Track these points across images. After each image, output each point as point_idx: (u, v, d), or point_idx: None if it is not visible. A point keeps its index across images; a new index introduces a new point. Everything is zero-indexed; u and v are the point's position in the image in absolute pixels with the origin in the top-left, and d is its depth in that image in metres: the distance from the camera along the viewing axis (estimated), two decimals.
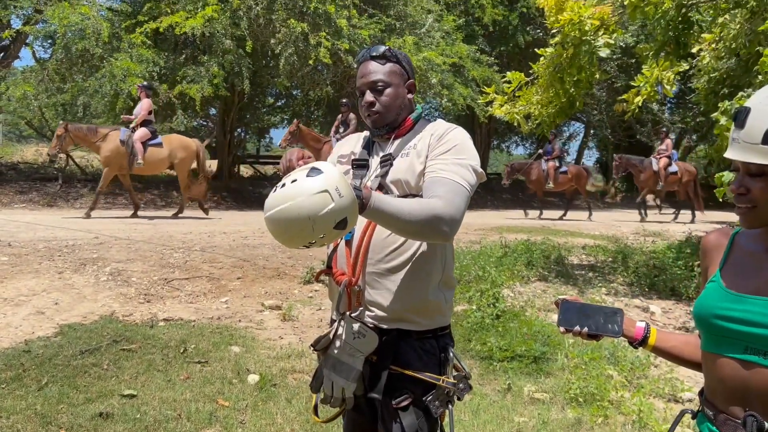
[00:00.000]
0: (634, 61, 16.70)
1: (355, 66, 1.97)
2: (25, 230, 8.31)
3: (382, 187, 1.85)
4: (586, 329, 1.58)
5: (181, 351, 4.37)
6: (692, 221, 15.68)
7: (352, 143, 2.08)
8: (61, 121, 11.10)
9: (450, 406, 1.83)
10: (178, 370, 4.07)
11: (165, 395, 3.64)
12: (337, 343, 1.80)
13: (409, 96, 1.98)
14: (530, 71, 7.00)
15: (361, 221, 1.75)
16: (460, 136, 1.88)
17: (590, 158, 34.62)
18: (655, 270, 7.52)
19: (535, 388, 4.18)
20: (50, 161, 11.47)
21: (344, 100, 13.15)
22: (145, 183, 15.10)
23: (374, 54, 1.94)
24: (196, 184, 12.21)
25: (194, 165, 12.03)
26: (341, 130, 12.82)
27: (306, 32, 12.72)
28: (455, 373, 1.87)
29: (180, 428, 3.26)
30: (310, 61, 12.97)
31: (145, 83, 11.33)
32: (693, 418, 1.50)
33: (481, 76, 15.76)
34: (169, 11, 12.65)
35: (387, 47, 1.96)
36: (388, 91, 1.91)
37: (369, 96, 1.91)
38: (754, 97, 1.28)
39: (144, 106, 10.93)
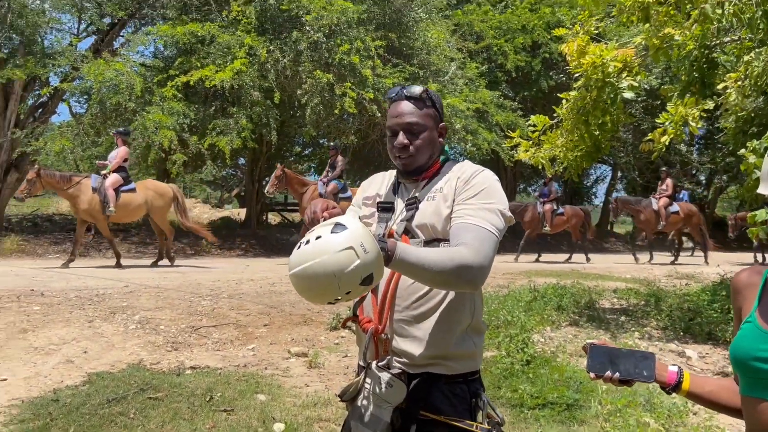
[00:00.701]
0: (659, 102, 16.66)
1: (388, 102, 1.98)
2: (58, 280, 8.46)
3: (407, 231, 1.82)
4: (617, 375, 1.52)
5: (207, 399, 4.34)
6: (705, 260, 15.40)
7: (377, 184, 2.04)
8: (35, 165, 10.98)
9: None
10: (204, 418, 4.03)
11: None
12: (364, 394, 1.75)
13: (440, 140, 1.94)
14: (554, 115, 7.03)
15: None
16: (487, 179, 1.83)
17: None
18: (690, 313, 7.32)
19: None
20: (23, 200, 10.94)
21: (332, 144, 13.48)
22: (174, 232, 15.34)
23: (409, 94, 1.88)
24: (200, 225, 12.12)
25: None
26: (329, 173, 12.95)
27: (332, 83, 13.00)
28: (488, 420, 1.79)
29: None
30: (336, 111, 13.21)
31: (121, 129, 11.14)
32: None
33: (505, 121, 15.86)
34: (199, 65, 13.07)
35: (423, 88, 1.90)
36: (423, 135, 1.86)
37: (403, 138, 1.86)
38: None
39: (120, 153, 10.73)
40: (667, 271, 12.63)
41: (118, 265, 10.64)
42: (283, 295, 7.84)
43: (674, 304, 7.75)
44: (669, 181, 15.57)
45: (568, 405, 4.46)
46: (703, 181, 26.46)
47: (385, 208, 1.92)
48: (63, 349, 5.26)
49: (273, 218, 22.11)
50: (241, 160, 21.24)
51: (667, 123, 5.81)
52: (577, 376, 4.97)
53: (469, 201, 1.77)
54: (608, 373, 1.52)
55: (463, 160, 2.02)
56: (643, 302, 8.37)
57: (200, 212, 22.79)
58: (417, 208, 1.84)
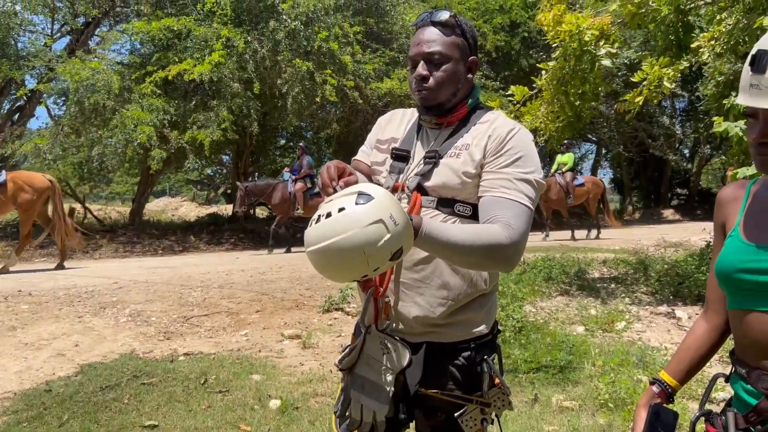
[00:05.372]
0: None
1: (413, 30, 1.76)
2: (46, 280, 8.38)
3: (420, 188, 1.65)
4: None
5: (202, 382, 4.34)
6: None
7: (395, 125, 1.83)
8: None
9: (485, 425, 1.65)
10: (199, 400, 4.02)
11: (187, 424, 3.60)
12: (364, 360, 1.60)
13: (469, 76, 1.71)
14: (534, 85, 7.03)
15: None
16: (524, 141, 1.62)
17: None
18: (678, 278, 7.39)
19: (563, 397, 4.08)
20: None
21: None
22: (161, 230, 15.23)
23: (436, 20, 1.66)
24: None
25: None
26: None
27: (311, 71, 12.93)
28: (493, 388, 1.66)
29: None
30: (317, 99, 13.14)
31: None
32: (726, 381, 1.44)
33: (486, 101, 15.86)
34: (177, 60, 12.92)
35: (452, 13, 1.68)
36: (446, 66, 1.65)
37: (422, 69, 1.65)
38: (765, 39, 1.22)
39: None
40: (655, 240, 12.72)
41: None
42: (274, 283, 7.83)
43: (662, 270, 7.83)
44: (305, 159, 13.11)
45: (561, 367, 4.50)
46: (687, 154, 26.62)
47: (400, 156, 1.73)
48: (54, 344, 5.22)
49: (260, 212, 22.06)
50: (225, 158, 21.14)
51: (642, 81, 5.83)
52: (570, 340, 5.01)
53: (504, 170, 1.58)
54: None
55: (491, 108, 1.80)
56: (632, 270, 8.43)
57: (187, 210, 22.66)
58: (436, 164, 1.65)
